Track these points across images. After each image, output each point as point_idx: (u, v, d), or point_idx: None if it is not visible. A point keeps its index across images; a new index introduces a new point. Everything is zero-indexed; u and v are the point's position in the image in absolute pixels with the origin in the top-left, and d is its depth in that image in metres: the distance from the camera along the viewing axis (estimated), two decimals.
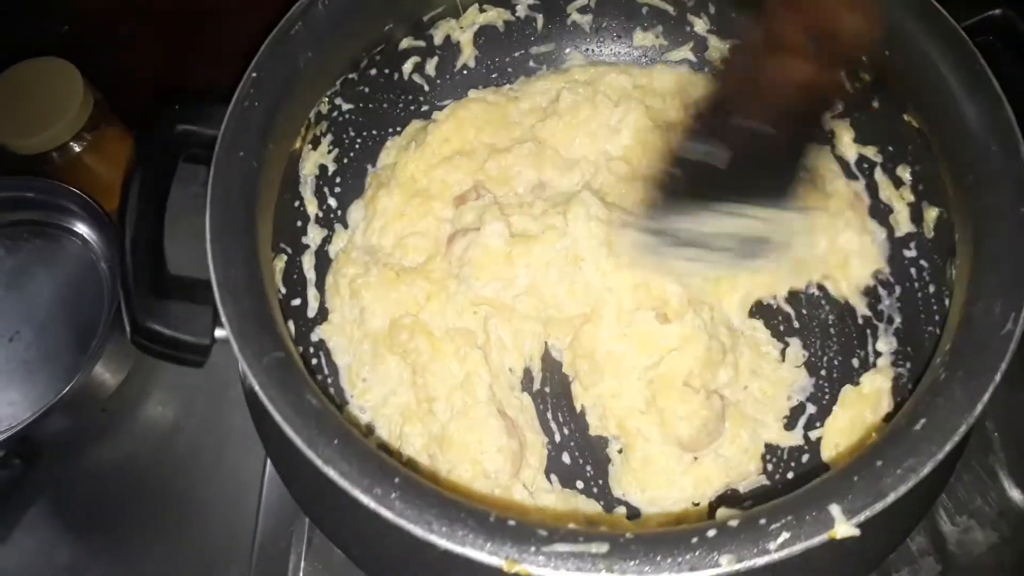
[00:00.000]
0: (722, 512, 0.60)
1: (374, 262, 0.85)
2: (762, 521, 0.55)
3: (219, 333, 0.67)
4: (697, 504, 0.76)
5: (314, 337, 0.84)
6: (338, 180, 0.90)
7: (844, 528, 0.54)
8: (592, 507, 0.78)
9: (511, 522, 0.54)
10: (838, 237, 0.86)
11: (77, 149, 1.02)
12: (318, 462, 0.56)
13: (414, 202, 0.88)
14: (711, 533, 0.54)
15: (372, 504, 0.55)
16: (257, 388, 0.59)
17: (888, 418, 0.79)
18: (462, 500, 0.56)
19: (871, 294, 0.86)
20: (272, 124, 0.72)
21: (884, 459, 0.57)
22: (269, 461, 0.91)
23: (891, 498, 0.55)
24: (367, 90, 0.89)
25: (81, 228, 1.05)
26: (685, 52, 0.97)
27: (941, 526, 0.92)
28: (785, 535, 0.54)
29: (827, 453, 0.79)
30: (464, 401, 0.77)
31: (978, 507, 0.93)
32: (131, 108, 1.06)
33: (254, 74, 0.71)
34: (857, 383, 0.81)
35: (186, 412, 1.03)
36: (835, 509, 0.55)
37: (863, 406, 0.80)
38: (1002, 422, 0.94)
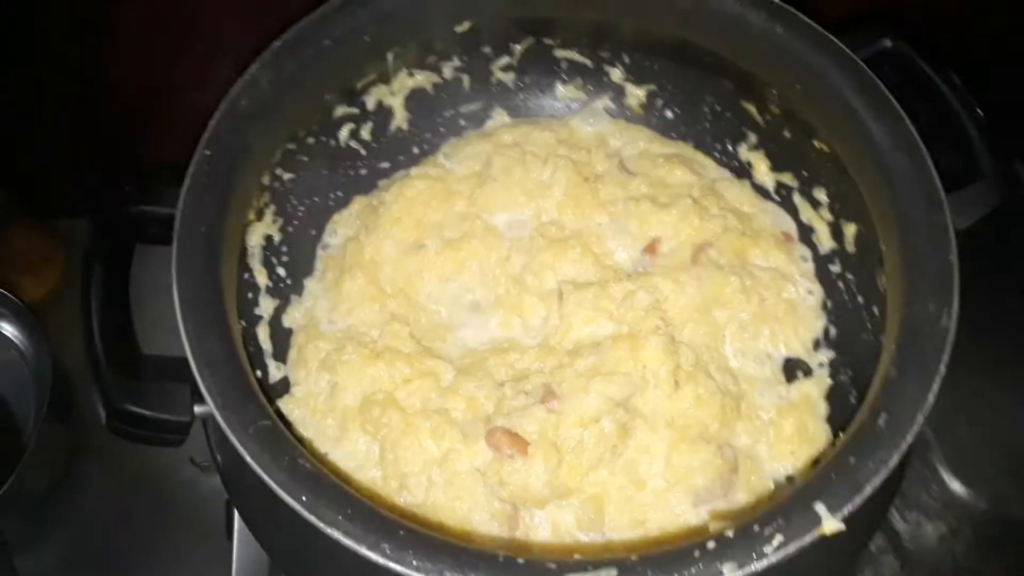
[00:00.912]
0: (714, 525, 0.62)
1: (348, 339, 0.85)
2: (755, 527, 0.58)
3: (198, 409, 0.66)
4: None
5: (275, 407, 0.83)
6: (285, 249, 0.90)
7: (831, 524, 0.58)
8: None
9: (520, 560, 0.55)
10: (782, 292, 0.89)
11: None
12: (321, 525, 0.56)
13: (394, 301, 0.88)
14: (711, 545, 0.57)
15: (382, 560, 0.54)
16: (248, 458, 0.58)
17: (831, 420, 0.83)
18: (469, 545, 0.56)
19: None
20: (228, 199, 0.72)
21: (856, 455, 0.61)
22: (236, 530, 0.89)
23: (868, 490, 0.59)
24: (306, 159, 0.90)
25: (4, 326, 1.01)
26: (606, 101, 1.01)
27: (895, 524, 0.97)
28: (779, 537, 0.57)
29: (781, 462, 0.81)
30: (443, 475, 0.76)
31: (925, 502, 0.98)
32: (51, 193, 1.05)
33: (207, 151, 0.71)
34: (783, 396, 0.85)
35: (130, 504, 1.00)
36: (820, 507, 0.58)
37: (799, 414, 0.83)
38: (934, 419, 0.99)
